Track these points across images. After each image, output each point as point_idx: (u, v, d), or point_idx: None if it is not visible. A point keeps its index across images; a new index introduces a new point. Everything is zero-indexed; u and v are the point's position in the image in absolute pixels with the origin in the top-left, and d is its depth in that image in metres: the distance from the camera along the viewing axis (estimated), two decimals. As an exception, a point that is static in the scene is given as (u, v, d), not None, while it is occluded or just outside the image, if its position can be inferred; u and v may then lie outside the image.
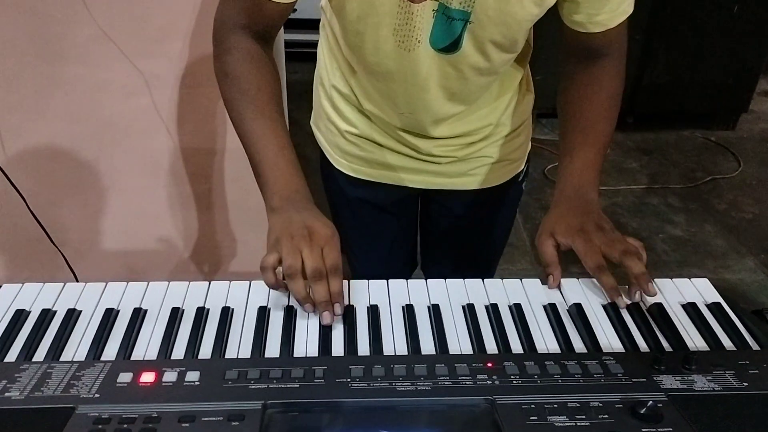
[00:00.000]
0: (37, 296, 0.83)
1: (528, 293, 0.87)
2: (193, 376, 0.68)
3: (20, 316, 0.79)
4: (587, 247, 0.87)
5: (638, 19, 3.08)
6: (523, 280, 0.89)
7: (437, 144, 1.07)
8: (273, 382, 0.67)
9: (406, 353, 0.75)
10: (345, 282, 0.86)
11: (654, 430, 0.62)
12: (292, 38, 2.57)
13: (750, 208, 2.92)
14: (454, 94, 0.98)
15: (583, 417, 0.63)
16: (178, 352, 0.74)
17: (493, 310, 0.82)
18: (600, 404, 0.65)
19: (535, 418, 0.63)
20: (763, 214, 2.88)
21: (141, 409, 0.63)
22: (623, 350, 0.77)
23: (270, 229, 0.85)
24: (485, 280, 0.88)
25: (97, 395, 0.65)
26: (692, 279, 0.90)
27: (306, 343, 0.76)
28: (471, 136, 1.07)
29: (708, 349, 0.77)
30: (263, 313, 0.80)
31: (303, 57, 2.90)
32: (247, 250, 1.83)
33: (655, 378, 0.69)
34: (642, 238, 2.67)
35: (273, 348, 0.75)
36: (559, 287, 0.88)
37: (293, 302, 0.82)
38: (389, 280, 0.87)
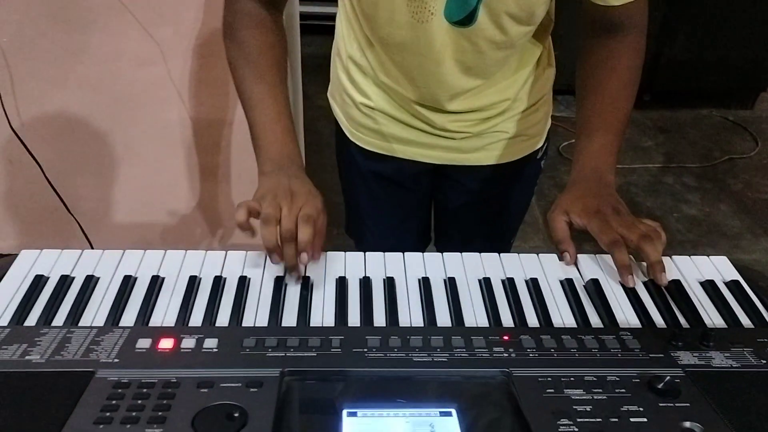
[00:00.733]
0: (55, 262, 0.84)
1: (545, 268, 0.86)
2: (211, 343, 0.68)
3: (39, 281, 0.80)
4: (603, 227, 0.86)
5: (658, -5, 3.04)
6: (539, 255, 0.88)
7: (452, 119, 1.06)
8: (290, 350, 0.67)
9: (422, 325, 0.75)
10: (360, 254, 0.86)
11: (671, 404, 0.62)
12: (306, 10, 2.54)
13: (766, 188, 2.89)
14: (470, 68, 0.97)
15: (600, 391, 0.63)
16: (196, 319, 0.75)
17: (509, 284, 0.82)
18: (617, 378, 0.65)
19: (552, 390, 0.63)
20: (779, 195, 2.85)
21: (160, 374, 0.63)
22: (640, 326, 0.76)
23: (257, 189, 0.88)
24: (501, 254, 0.88)
25: (116, 360, 0.65)
26: (711, 257, 0.90)
27: (322, 314, 0.77)
28: (487, 110, 1.06)
29: (726, 326, 0.77)
30: (280, 283, 0.80)
31: (318, 29, 2.87)
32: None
33: (672, 354, 0.69)
34: (656, 217, 2.67)
35: (290, 317, 0.75)
36: (576, 263, 0.87)
37: (310, 272, 0.82)
38: (405, 253, 0.87)
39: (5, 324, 0.72)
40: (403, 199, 1.24)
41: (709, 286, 0.84)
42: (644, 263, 0.85)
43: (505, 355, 0.68)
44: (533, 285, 0.82)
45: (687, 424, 0.60)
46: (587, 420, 0.60)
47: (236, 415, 0.59)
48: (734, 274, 0.86)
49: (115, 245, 1.78)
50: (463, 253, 0.88)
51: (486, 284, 0.82)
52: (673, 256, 0.88)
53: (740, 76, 3.42)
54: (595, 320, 0.77)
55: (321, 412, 0.62)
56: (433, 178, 1.23)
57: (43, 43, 1.48)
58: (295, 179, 0.88)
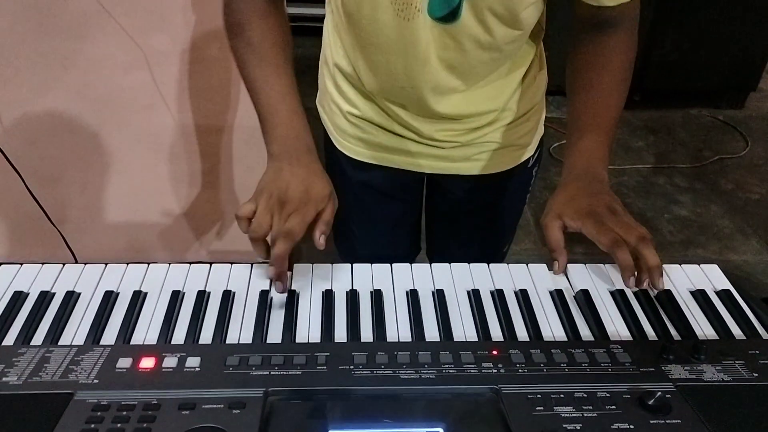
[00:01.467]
0: (35, 277, 0.82)
1: (534, 279, 0.85)
2: (193, 362, 0.66)
3: (18, 297, 0.78)
4: (599, 228, 0.83)
5: (648, -4, 3.04)
6: (529, 265, 0.87)
7: (440, 128, 1.04)
8: (275, 368, 0.66)
9: (410, 340, 0.74)
10: (348, 265, 0.85)
11: (662, 421, 0.61)
12: (295, 12, 2.52)
13: (757, 188, 2.90)
14: (454, 67, 0.95)
15: (590, 407, 0.62)
16: (179, 336, 0.73)
17: (498, 295, 0.81)
18: (607, 394, 0.64)
19: (541, 408, 0.62)
20: (769, 195, 2.86)
21: (140, 395, 0.62)
22: (631, 338, 0.75)
23: (263, 175, 0.86)
24: (491, 264, 0.87)
25: (95, 381, 0.64)
26: (701, 265, 0.89)
27: (308, 328, 0.75)
28: (475, 119, 1.04)
29: (717, 337, 0.76)
30: (265, 297, 0.79)
31: (306, 31, 2.85)
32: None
33: (663, 367, 0.68)
34: (648, 218, 2.67)
35: (275, 333, 0.74)
36: (565, 273, 0.86)
37: (296, 286, 0.81)
38: (393, 264, 0.86)
39: (-18, 344, 0.71)
40: (392, 209, 1.23)
41: (700, 296, 0.83)
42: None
43: (494, 370, 0.67)
44: (522, 296, 0.81)
45: (678, 441, 0.59)
46: (577, 438, 0.59)
47: (218, 438, 0.57)
48: (725, 283, 0.86)
49: (100, 253, 1.76)
50: (452, 264, 0.87)
51: (475, 296, 0.81)
52: (664, 265, 0.87)
53: (730, 75, 3.43)
54: (585, 332, 0.76)
55: (306, 432, 0.61)
56: (423, 187, 1.22)
57: (24, 49, 1.46)
58: (299, 167, 0.86)
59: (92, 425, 0.58)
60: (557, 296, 0.81)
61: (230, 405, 0.61)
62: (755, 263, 2.43)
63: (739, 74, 3.43)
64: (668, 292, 0.83)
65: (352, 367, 0.66)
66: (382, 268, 0.85)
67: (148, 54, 1.48)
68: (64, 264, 0.85)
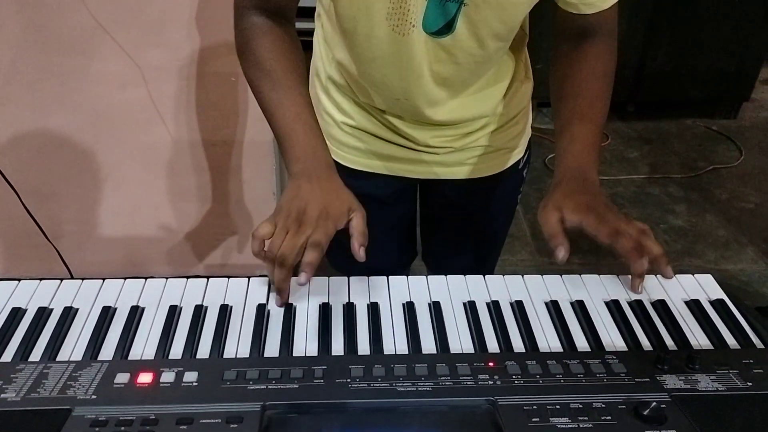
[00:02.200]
0: (33, 294, 0.82)
1: (530, 290, 0.86)
2: (191, 377, 0.67)
3: (16, 314, 0.78)
4: (600, 221, 0.83)
5: (640, 7, 3.07)
6: (524, 276, 0.88)
7: (434, 134, 1.06)
8: (272, 382, 0.66)
9: (407, 352, 0.74)
10: (344, 278, 0.86)
11: (658, 431, 0.61)
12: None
13: (751, 197, 2.91)
14: (446, 79, 0.96)
15: (586, 418, 0.62)
16: (176, 351, 0.74)
17: (494, 307, 0.81)
18: (603, 405, 0.64)
19: (537, 419, 0.62)
20: (764, 204, 2.86)
21: (138, 410, 0.62)
22: (626, 348, 0.76)
23: (283, 193, 0.87)
24: (486, 276, 0.87)
25: (93, 396, 0.64)
26: (695, 275, 0.89)
27: (305, 342, 0.76)
28: (467, 125, 1.06)
29: (712, 347, 0.77)
30: (262, 311, 0.79)
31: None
32: (245, 242, 1.82)
33: (658, 378, 0.68)
34: (643, 228, 2.68)
35: (272, 347, 0.74)
36: (563, 281, 0.87)
37: (293, 299, 0.81)
38: (389, 277, 0.87)
39: (-20, 360, 0.71)
40: (387, 217, 1.24)
41: (694, 306, 0.83)
42: (629, 276, 0.85)
43: (490, 382, 0.67)
44: (518, 308, 0.82)
45: (674, 451, 0.59)
46: (573, 449, 0.59)
47: (216, 452, 0.58)
48: (719, 293, 0.86)
49: (96, 268, 1.77)
50: (448, 276, 0.87)
51: (471, 308, 0.81)
52: (658, 276, 0.87)
53: (723, 85, 3.45)
54: (581, 343, 0.77)
55: (303, 446, 0.61)
56: (417, 192, 1.23)
57: (21, 65, 1.47)
58: (318, 182, 0.86)
59: (90, 441, 0.58)
60: (553, 307, 0.82)
61: (228, 419, 0.61)
62: (751, 272, 2.44)
63: (733, 84, 3.46)
64: (663, 301, 0.84)
65: (349, 380, 0.67)
66: (378, 281, 0.86)
67: (144, 70, 1.49)
68: (61, 280, 0.85)
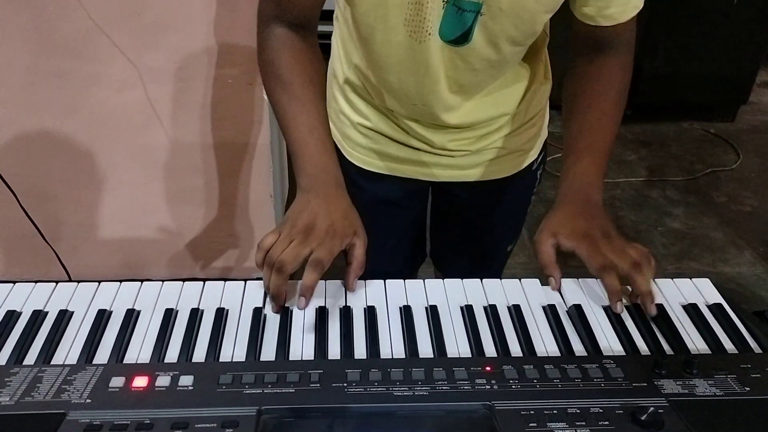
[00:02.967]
0: (28, 296, 0.82)
1: (527, 294, 0.85)
2: (186, 381, 0.66)
3: (11, 316, 0.78)
4: (592, 251, 0.85)
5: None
6: (522, 280, 0.87)
7: (451, 138, 1.06)
8: (268, 386, 0.66)
9: (404, 356, 0.74)
10: (340, 282, 0.85)
11: (655, 437, 0.61)
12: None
13: (749, 200, 2.91)
14: (462, 85, 0.97)
15: (583, 423, 0.62)
16: (172, 354, 0.73)
17: (491, 311, 0.81)
18: (600, 410, 0.64)
19: (534, 424, 0.62)
20: (762, 207, 2.87)
21: (133, 415, 0.62)
22: (623, 353, 0.76)
23: (291, 206, 0.87)
24: (483, 280, 0.87)
25: (88, 400, 0.64)
26: (693, 279, 0.89)
27: (302, 346, 0.75)
28: (485, 127, 1.06)
29: (709, 351, 0.76)
30: (258, 315, 0.79)
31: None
32: (242, 244, 1.82)
33: (656, 382, 0.68)
34: (641, 231, 2.68)
35: (268, 351, 0.74)
36: (559, 288, 0.87)
37: (289, 304, 0.81)
38: (386, 281, 0.86)
39: (-25, 364, 0.70)
40: (399, 218, 1.24)
41: (692, 310, 0.83)
42: (629, 286, 0.85)
43: (488, 387, 0.67)
44: (516, 312, 0.81)
45: (671, 456, 0.59)
46: (570, 455, 0.59)
47: (211, 457, 0.57)
48: (717, 297, 0.86)
49: (94, 270, 1.76)
50: (445, 280, 0.87)
51: (468, 311, 0.81)
52: (656, 279, 0.87)
53: (721, 89, 3.46)
54: (578, 347, 0.77)
55: (299, 451, 0.61)
56: (428, 194, 1.23)
57: (19, 67, 1.47)
58: (325, 198, 0.86)
59: (85, 445, 0.58)
60: (550, 311, 0.82)
61: (223, 424, 0.61)
62: (748, 275, 2.44)
63: (730, 88, 3.46)
64: (660, 306, 0.83)
65: (345, 384, 0.66)
66: (375, 285, 0.86)
67: (142, 72, 1.49)
68: (57, 282, 0.84)
